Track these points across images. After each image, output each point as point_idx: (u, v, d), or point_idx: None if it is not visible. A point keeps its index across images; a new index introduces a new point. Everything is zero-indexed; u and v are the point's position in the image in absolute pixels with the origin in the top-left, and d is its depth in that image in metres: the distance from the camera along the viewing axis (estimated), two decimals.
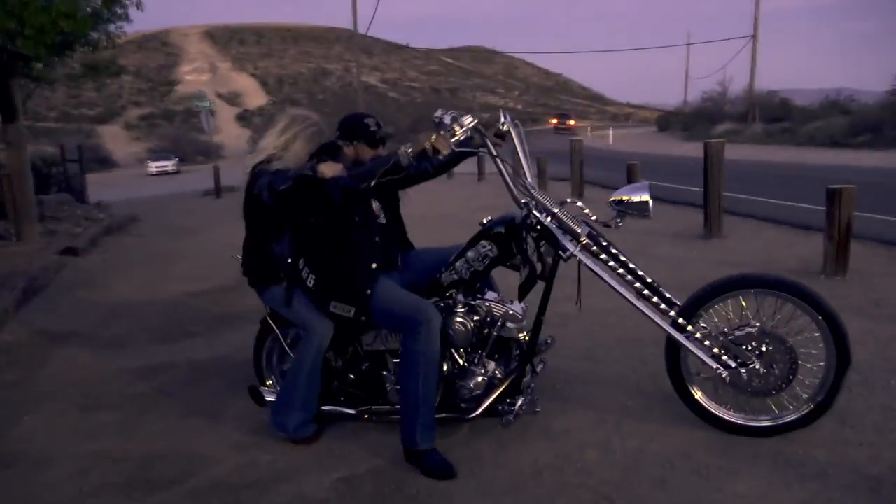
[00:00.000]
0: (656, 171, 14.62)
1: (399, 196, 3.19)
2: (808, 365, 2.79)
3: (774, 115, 36.25)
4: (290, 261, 2.98)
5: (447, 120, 2.73)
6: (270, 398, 3.13)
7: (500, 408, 2.88)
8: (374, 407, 3.06)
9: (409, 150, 2.63)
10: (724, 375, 2.72)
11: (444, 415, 2.91)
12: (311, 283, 2.93)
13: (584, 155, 11.95)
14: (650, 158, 22.26)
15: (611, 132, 44.43)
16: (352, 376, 3.10)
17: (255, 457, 2.99)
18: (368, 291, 2.82)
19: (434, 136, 2.68)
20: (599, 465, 2.70)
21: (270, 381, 3.36)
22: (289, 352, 3.23)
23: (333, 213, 2.83)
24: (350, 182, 2.72)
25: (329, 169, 2.78)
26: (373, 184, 2.67)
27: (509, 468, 2.73)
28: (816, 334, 2.70)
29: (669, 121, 53.88)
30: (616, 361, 3.76)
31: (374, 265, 2.85)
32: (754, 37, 37.51)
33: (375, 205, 3.04)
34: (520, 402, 2.87)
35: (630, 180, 8.04)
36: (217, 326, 5.13)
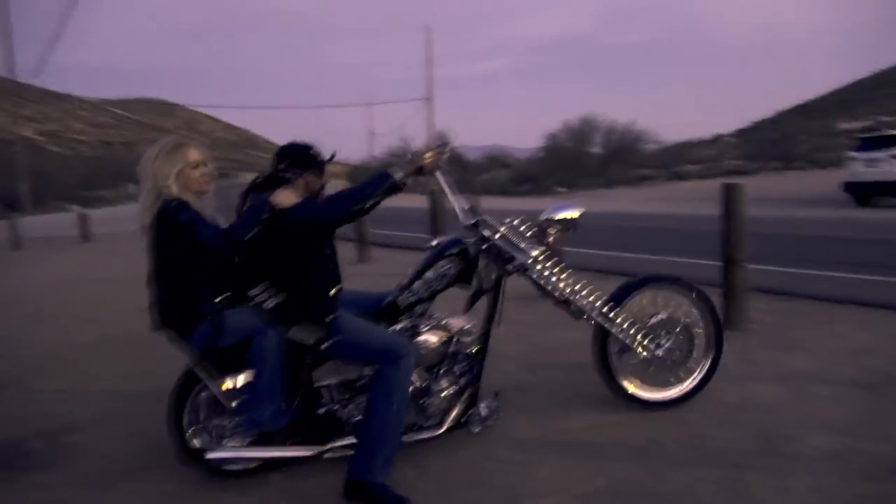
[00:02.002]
0: (380, 221, 15.55)
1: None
2: (698, 339, 3.47)
3: (451, 168, 41.20)
4: (216, 300, 2.76)
5: (440, 141, 3.02)
6: (216, 454, 2.82)
7: (464, 419, 3.02)
8: (335, 444, 2.90)
9: (404, 171, 2.72)
10: (648, 357, 3.31)
11: (412, 436, 2.92)
12: (270, 304, 2.80)
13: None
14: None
15: None
16: (316, 413, 2.93)
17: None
18: (329, 318, 2.77)
19: (429, 154, 2.81)
20: (592, 462, 2.92)
21: (198, 440, 2.92)
22: (224, 403, 2.85)
23: (299, 243, 2.78)
24: (343, 208, 2.70)
25: (287, 199, 2.73)
26: (368, 205, 2.68)
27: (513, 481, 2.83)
28: (698, 315, 3.47)
29: (359, 175, 57.27)
30: (559, 368, 4.13)
31: (332, 292, 2.83)
32: (429, 99, 42.50)
33: None
34: (484, 410, 3.03)
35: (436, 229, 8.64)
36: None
